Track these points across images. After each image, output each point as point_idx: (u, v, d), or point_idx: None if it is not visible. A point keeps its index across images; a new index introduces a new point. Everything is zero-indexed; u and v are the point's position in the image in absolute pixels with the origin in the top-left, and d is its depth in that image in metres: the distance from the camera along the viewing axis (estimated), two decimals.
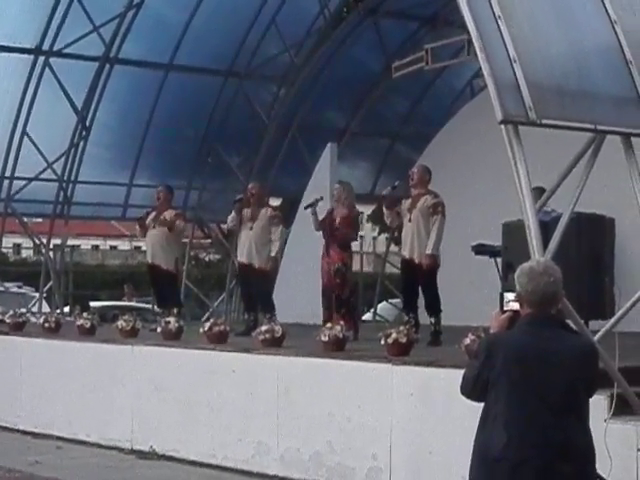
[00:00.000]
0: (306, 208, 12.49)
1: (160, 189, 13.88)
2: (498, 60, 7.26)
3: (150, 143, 18.10)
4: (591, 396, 4.94)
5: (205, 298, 20.80)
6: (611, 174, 8.92)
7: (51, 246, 18.67)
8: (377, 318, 19.20)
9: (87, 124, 17.42)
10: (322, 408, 9.51)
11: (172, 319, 11.81)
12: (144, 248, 16.47)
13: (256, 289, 12.83)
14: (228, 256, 19.60)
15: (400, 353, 9.27)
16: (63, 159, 17.50)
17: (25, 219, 18.84)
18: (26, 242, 28.51)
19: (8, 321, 13.54)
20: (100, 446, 11.57)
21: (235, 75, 18.17)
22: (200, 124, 18.39)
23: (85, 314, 13.07)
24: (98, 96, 17.28)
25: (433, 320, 11.05)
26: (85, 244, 44.39)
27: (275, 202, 17.18)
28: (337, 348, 9.84)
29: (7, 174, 17.08)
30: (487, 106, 7.35)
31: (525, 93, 7.19)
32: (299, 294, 15.09)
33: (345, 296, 11.78)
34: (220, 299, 19.92)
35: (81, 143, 17.59)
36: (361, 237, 14.87)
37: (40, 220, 21.40)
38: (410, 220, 11.12)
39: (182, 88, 17.84)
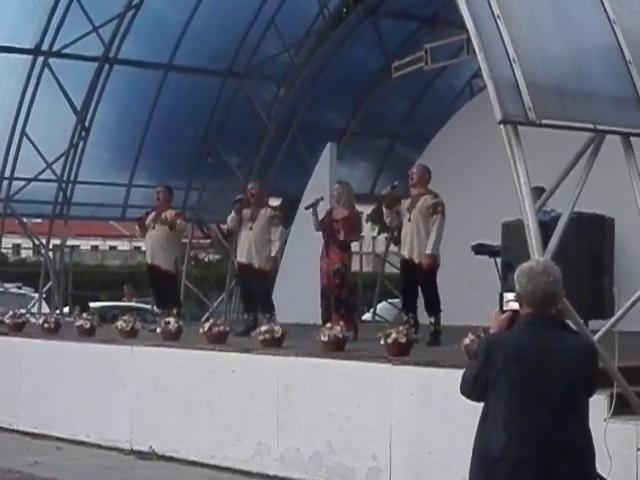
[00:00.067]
0: (307, 208, 12.47)
1: (160, 189, 13.88)
2: (497, 60, 7.26)
3: (149, 143, 18.07)
4: (591, 396, 4.94)
5: (205, 298, 20.79)
6: (611, 174, 8.91)
7: (50, 246, 18.62)
8: (377, 318, 19.19)
9: (86, 124, 17.40)
10: (322, 408, 9.51)
11: (172, 319, 11.81)
12: (144, 248, 16.48)
13: (256, 289, 12.82)
14: (228, 256, 19.58)
15: (400, 353, 9.27)
16: (62, 159, 17.48)
17: (24, 219, 18.82)
18: (25, 242, 28.46)
19: (8, 322, 13.52)
20: (100, 446, 11.56)
21: (235, 75, 18.15)
22: (200, 124, 18.37)
23: (85, 314, 13.06)
24: (97, 96, 17.26)
25: (433, 320, 11.04)
26: (85, 244, 44.28)
27: (275, 202, 17.16)
28: (337, 348, 9.84)
29: (6, 174, 17.07)
30: (486, 106, 7.35)
31: (524, 93, 7.19)
32: (299, 294, 15.09)
33: (344, 296, 11.78)
34: (220, 299, 19.89)
35: (80, 143, 17.57)
36: (361, 237, 14.85)
37: (39, 220, 21.39)
38: (410, 220, 11.11)
39: (182, 88, 17.81)
